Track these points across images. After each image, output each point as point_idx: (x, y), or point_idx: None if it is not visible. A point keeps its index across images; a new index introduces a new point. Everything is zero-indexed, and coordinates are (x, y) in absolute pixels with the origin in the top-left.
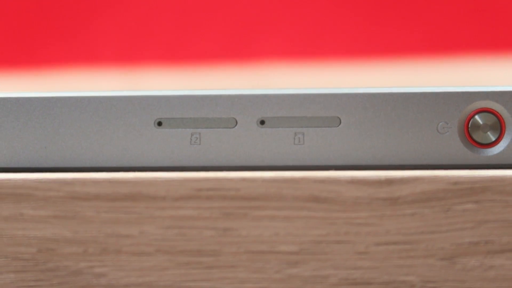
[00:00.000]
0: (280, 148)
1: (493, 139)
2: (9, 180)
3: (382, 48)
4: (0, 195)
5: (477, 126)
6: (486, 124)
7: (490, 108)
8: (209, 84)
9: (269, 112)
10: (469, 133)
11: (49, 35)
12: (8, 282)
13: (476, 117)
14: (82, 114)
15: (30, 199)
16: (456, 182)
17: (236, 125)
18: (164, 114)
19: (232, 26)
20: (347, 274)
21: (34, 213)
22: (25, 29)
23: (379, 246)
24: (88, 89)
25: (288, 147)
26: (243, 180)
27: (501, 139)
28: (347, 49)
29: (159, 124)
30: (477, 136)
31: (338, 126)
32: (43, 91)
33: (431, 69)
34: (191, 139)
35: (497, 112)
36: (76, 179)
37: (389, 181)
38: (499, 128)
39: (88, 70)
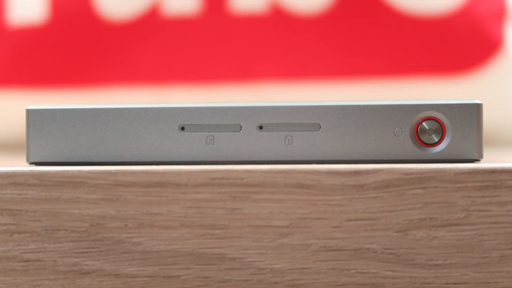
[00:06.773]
0: (274, 147)
1: (436, 140)
2: (68, 171)
3: (352, 71)
4: (61, 183)
5: (424, 130)
6: (431, 129)
7: (434, 117)
8: (221, 98)
9: (266, 120)
10: (418, 136)
11: (98, 61)
12: (67, 249)
13: (424, 123)
14: (124, 121)
15: (84, 185)
16: (408, 173)
17: (241, 130)
18: (186, 121)
19: (238, 54)
20: (325, 243)
21: (87, 196)
22: (81, 58)
23: (349, 221)
24: (128, 102)
25: (280, 146)
26: (246, 171)
27: (442, 140)
28: (326, 71)
29: (182, 128)
30: (424, 138)
31: (318, 130)
32: (94, 104)
33: (390, 87)
34: (206, 140)
35: (439, 120)
36: (119, 170)
37: (357, 172)
38: (441, 132)
39: (128, 88)
